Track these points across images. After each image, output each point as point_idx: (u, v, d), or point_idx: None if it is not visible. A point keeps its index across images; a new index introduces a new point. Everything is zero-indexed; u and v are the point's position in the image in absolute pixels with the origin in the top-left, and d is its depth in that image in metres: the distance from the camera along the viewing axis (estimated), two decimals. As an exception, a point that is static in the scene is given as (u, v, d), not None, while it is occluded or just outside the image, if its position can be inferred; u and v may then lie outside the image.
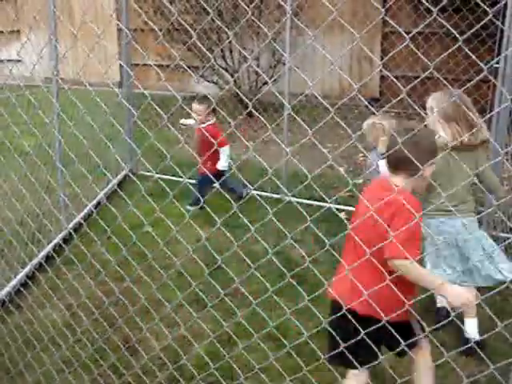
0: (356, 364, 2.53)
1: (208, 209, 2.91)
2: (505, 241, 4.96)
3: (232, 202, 2.64)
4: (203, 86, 9.88)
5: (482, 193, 5.05)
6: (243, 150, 7.47)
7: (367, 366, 2.74)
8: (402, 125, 3.88)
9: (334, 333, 2.58)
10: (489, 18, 1.83)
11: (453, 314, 2.15)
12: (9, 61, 4.33)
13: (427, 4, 1.87)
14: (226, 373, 3.23)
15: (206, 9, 8.42)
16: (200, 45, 3.74)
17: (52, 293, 3.83)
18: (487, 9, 1.81)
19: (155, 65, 3.39)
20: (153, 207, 2.85)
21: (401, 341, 2.31)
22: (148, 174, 6.71)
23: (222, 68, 10.11)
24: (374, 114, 3.03)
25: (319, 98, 2.20)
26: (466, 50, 1.82)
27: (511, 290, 2.38)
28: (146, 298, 3.03)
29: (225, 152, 5.84)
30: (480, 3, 2.03)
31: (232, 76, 9.96)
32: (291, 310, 2.68)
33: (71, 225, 5.26)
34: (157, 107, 2.76)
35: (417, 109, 2.20)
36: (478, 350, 2.60)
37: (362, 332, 2.27)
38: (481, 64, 1.76)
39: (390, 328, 2.43)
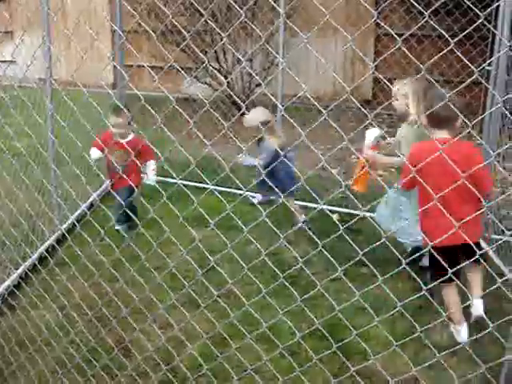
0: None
1: (202, 210, 2.92)
2: (497, 241, 5.00)
3: (225, 203, 2.65)
4: (195, 87, 9.88)
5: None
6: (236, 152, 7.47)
7: None
8: (430, 90, 4.39)
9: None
10: (480, 21, 1.85)
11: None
12: (2, 62, 4.33)
13: (419, 7, 1.89)
14: (219, 374, 3.24)
15: (199, 10, 8.43)
16: (194, 46, 3.75)
17: (45, 294, 3.82)
18: (479, 12, 1.82)
19: (149, 66, 3.39)
20: (147, 208, 2.86)
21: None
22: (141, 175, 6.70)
23: (216, 69, 10.11)
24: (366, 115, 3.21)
25: (312, 99, 2.21)
26: (458, 52, 1.84)
27: (503, 291, 2.39)
28: (140, 299, 3.04)
29: (152, 166, 5.51)
30: (471, 6, 2.05)
31: (225, 78, 9.96)
32: (284, 310, 2.69)
33: (65, 226, 5.26)
34: (150, 108, 2.76)
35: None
36: (470, 351, 2.61)
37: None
38: (472, 67, 1.77)
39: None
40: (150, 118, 4.23)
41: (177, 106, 2.58)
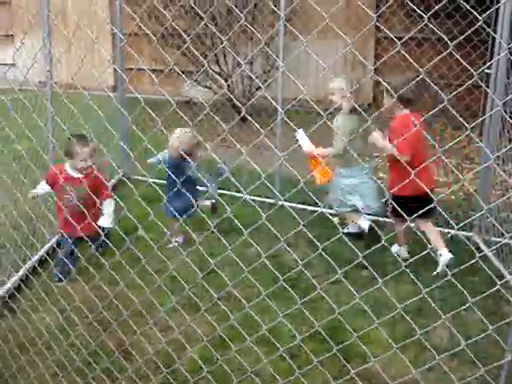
0: None
1: (201, 213, 2.92)
2: (496, 244, 5.00)
3: (226, 205, 2.65)
4: (196, 90, 9.89)
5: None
6: (236, 155, 7.48)
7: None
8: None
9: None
10: (479, 24, 1.85)
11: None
12: (3, 65, 4.34)
13: (419, 11, 1.90)
14: (219, 376, 3.24)
15: (199, 14, 8.44)
16: (194, 50, 3.76)
17: (46, 296, 3.83)
18: (478, 16, 1.83)
19: (149, 69, 3.40)
20: (147, 211, 2.86)
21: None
22: (142, 178, 6.70)
23: (216, 73, 10.12)
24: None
25: (311, 102, 2.22)
26: (457, 56, 1.85)
27: (503, 293, 2.40)
28: (140, 302, 3.04)
29: (110, 206, 4.66)
30: (471, 10, 2.06)
31: (226, 81, 9.97)
32: (284, 313, 2.69)
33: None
34: (151, 111, 2.77)
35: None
36: (470, 353, 2.61)
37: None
38: (471, 70, 1.78)
39: None
40: (150, 121, 4.27)
41: (177, 109, 2.58)
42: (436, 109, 1.96)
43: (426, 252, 2.18)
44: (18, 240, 4.11)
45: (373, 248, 2.37)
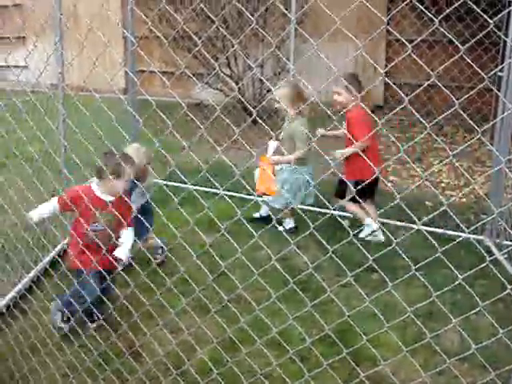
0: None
1: (212, 215, 2.93)
2: (507, 248, 4.97)
3: (236, 208, 2.65)
4: (207, 92, 9.91)
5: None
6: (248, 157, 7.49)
7: None
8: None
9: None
10: (490, 27, 1.85)
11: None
12: (15, 67, 4.37)
13: (430, 14, 1.89)
14: (229, 378, 3.24)
15: (210, 17, 8.46)
16: (205, 52, 3.77)
17: (57, 298, 3.85)
18: (489, 19, 1.83)
19: (160, 72, 3.41)
20: (157, 213, 2.87)
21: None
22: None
23: (227, 75, 10.14)
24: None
25: (321, 105, 2.23)
26: (468, 59, 1.84)
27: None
28: (150, 304, 3.05)
29: (130, 237, 3.95)
30: (481, 13, 2.05)
31: (237, 83, 9.98)
32: (294, 316, 2.69)
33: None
34: (162, 114, 2.78)
35: (419, 117, 2.21)
36: (480, 357, 2.60)
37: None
38: (482, 73, 1.78)
39: None
40: (161, 123, 4.28)
41: (188, 112, 2.59)
42: (446, 113, 1.96)
43: (436, 255, 2.18)
44: (29, 241, 4.13)
45: (383, 251, 2.36)
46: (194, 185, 5.95)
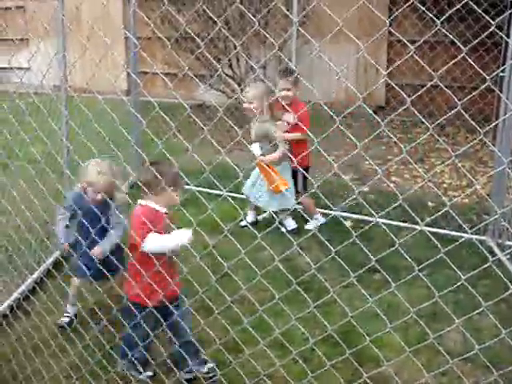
0: None
1: (215, 216, 2.93)
2: (510, 248, 4.98)
3: (239, 209, 2.66)
4: (209, 94, 9.92)
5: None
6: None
7: None
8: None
9: None
10: (492, 28, 1.86)
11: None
12: (18, 69, 4.38)
13: (431, 15, 1.90)
14: (232, 379, 3.25)
15: (212, 18, 8.47)
16: (207, 54, 3.77)
17: (60, 299, 3.86)
18: (491, 20, 1.83)
19: (162, 73, 3.42)
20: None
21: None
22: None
23: (229, 77, 10.14)
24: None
25: (324, 106, 2.23)
26: (470, 60, 1.85)
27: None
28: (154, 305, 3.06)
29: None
30: (483, 14, 2.06)
31: (239, 85, 9.98)
32: (297, 316, 2.70)
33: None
34: (165, 116, 2.79)
35: (421, 118, 2.22)
36: (483, 358, 2.61)
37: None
38: (484, 74, 1.78)
39: None
40: (164, 124, 4.29)
41: (191, 114, 2.59)
42: (449, 114, 1.97)
43: (438, 256, 2.18)
44: (33, 243, 4.14)
45: (386, 252, 2.37)
46: (197, 186, 5.95)
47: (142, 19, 6.58)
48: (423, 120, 2.23)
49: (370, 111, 2.20)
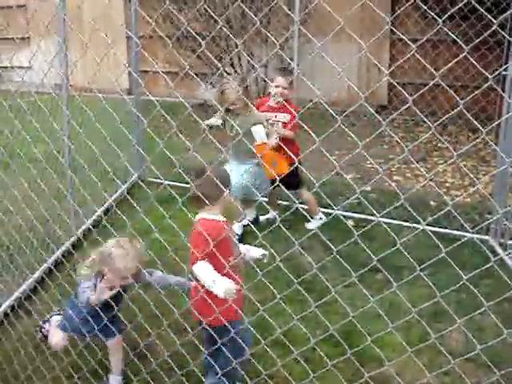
0: None
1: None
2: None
3: (240, 209, 2.65)
4: (210, 93, 9.92)
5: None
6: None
7: None
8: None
9: None
10: (495, 27, 1.85)
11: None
12: (19, 68, 4.37)
13: (432, 14, 1.89)
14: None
15: (214, 17, 8.47)
16: (208, 53, 3.77)
17: (61, 298, 3.85)
18: (493, 19, 1.82)
19: (164, 72, 3.41)
20: (161, 213, 2.87)
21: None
22: (156, 180, 6.72)
23: (231, 75, 10.14)
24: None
25: (325, 105, 2.22)
26: (472, 59, 1.84)
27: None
28: (155, 304, 3.05)
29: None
30: (485, 12, 2.05)
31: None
32: (299, 316, 2.69)
33: (80, 231, 5.28)
34: (166, 115, 2.78)
35: (423, 117, 2.21)
36: (484, 358, 2.60)
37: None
38: (486, 73, 1.77)
39: None
40: (165, 123, 4.30)
41: (192, 113, 2.59)
42: (451, 113, 1.96)
43: (441, 255, 2.17)
44: (34, 242, 4.13)
45: (388, 251, 2.36)
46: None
47: (143, 18, 6.60)
48: (425, 119, 2.22)
49: (372, 110, 2.19)
